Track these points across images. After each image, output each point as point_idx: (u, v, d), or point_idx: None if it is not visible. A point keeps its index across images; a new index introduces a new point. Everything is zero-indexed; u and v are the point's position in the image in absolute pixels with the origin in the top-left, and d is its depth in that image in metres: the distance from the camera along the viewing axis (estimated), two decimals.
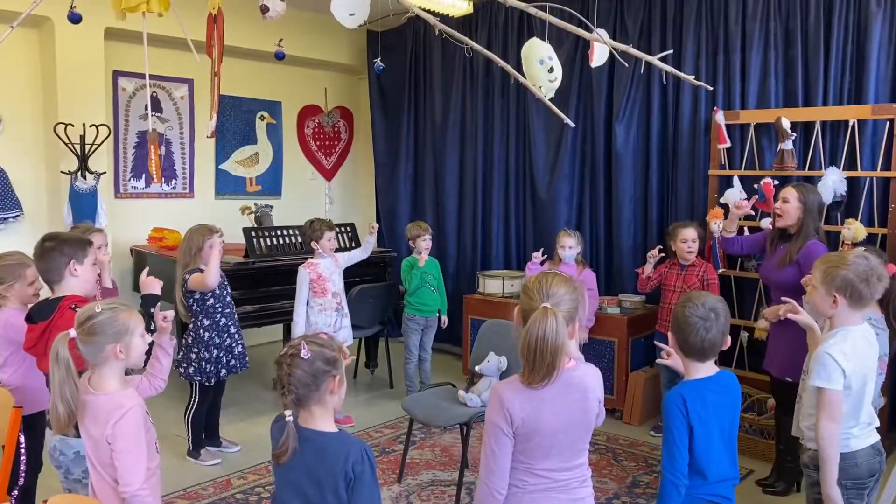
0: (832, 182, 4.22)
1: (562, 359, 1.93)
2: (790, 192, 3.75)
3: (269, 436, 2.00)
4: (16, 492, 2.82)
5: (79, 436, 2.43)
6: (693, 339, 2.21)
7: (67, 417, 2.09)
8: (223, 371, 4.13)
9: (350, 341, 4.74)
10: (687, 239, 4.36)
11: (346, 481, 1.87)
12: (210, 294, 4.07)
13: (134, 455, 2.10)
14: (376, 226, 5.11)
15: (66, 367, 2.07)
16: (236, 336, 4.21)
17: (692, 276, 4.35)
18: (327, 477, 1.87)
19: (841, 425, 2.34)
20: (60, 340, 2.10)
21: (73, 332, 2.12)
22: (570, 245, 4.79)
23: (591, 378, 2.05)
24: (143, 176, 6.20)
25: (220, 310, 4.12)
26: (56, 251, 2.69)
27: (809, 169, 4.53)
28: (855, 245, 4.09)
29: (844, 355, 2.33)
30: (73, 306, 2.60)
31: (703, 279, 4.33)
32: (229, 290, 4.21)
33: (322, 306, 4.54)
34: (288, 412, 1.90)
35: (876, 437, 2.46)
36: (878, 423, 2.49)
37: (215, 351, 4.09)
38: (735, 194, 4.64)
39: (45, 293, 2.89)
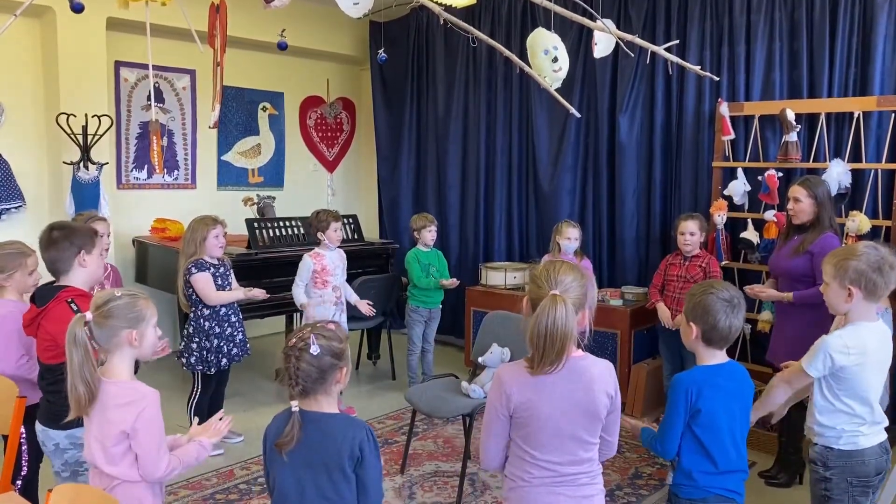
0: (836, 174, 4.21)
1: (570, 346, 1.94)
2: (799, 191, 3.68)
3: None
4: (19, 482, 2.83)
5: (64, 427, 2.44)
6: (722, 325, 2.21)
7: (88, 398, 2.09)
8: (224, 360, 4.13)
9: None
10: (685, 232, 4.33)
11: (352, 459, 1.91)
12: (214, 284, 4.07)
13: (157, 444, 2.12)
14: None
15: (83, 348, 2.08)
16: (237, 324, 4.21)
17: (695, 266, 4.33)
18: (334, 456, 1.91)
19: (788, 394, 2.51)
20: (77, 322, 2.10)
21: (88, 315, 2.12)
22: (575, 236, 4.76)
23: (598, 369, 2.03)
24: (146, 167, 6.19)
25: None
26: (65, 241, 2.66)
27: (814, 161, 4.51)
28: (860, 237, 4.07)
29: (847, 348, 2.31)
30: (69, 300, 2.59)
31: (707, 270, 4.31)
32: (230, 281, 4.21)
33: (322, 298, 4.52)
34: (294, 403, 1.92)
35: (884, 436, 2.45)
36: (887, 422, 2.47)
37: (216, 340, 4.09)
38: (739, 186, 4.63)
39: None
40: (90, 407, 2.12)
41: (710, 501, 2.23)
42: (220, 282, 4.10)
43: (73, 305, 2.58)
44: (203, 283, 4.01)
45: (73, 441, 2.52)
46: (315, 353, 1.88)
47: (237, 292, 4.16)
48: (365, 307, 4.76)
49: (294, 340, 1.93)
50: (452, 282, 5.10)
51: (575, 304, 1.94)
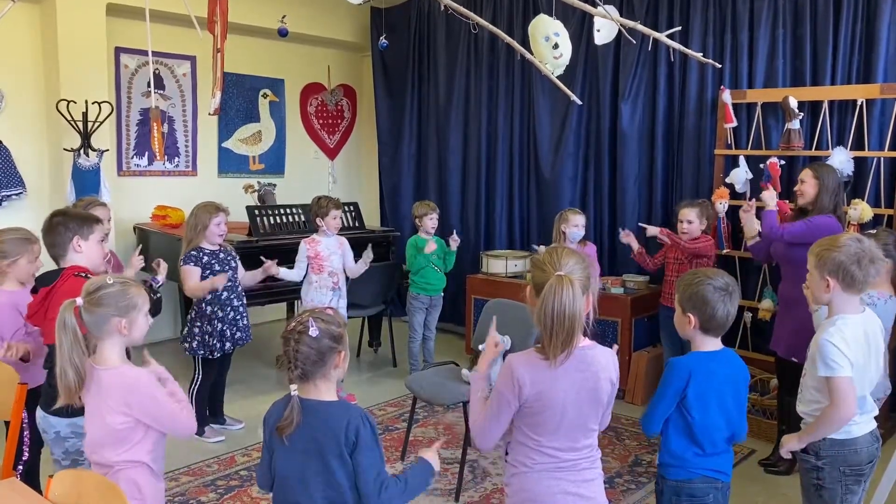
0: (839, 162, 4.18)
1: (579, 328, 1.92)
2: (805, 173, 3.74)
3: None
4: (20, 467, 2.84)
5: (65, 415, 2.44)
6: (720, 314, 2.22)
7: (77, 384, 2.10)
8: (227, 344, 4.13)
9: None
10: (683, 220, 4.31)
11: (348, 445, 1.91)
12: (209, 272, 4.07)
13: (168, 411, 2.16)
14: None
15: (73, 333, 2.09)
16: (240, 309, 4.21)
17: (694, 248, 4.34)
18: (330, 442, 1.91)
19: (854, 412, 2.31)
20: (66, 308, 2.10)
21: (79, 301, 2.12)
22: (581, 223, 4.59)
23: (604, 358, 2.04)
24: (146, 154, 6.18)
25: None
26: (62, 226, 2.72)
27: (816, 149, 4.49)
28: (862, 226, 4.06)
29: (845, 343, 2.31)
30: (77, 273, 2.63)
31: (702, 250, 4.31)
32: (234, 266, 4.21)
33: (318, 283, 4.52)
34: (293, 387, 1.93)
35: (874, 424, 2.46)
36: (876, 412, 2.50)
37: (219, 324, 4.10)
38: (741, 174, 4.61)
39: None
40: (80, 393, 2.13)
41: (696, 482, 2.24)
42: (218, 268, 4.10)
43: (83, 275, 2.61)
44: (186, 274, 4.01)
45: (75, 430, 2.52)
46: (314, 336, 1.90)
47: (206, 283, 4.02)
48: (366, 261, 4.64)
49: (293, 324, 1.94)
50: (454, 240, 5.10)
51: (581, 286, 1.93)
